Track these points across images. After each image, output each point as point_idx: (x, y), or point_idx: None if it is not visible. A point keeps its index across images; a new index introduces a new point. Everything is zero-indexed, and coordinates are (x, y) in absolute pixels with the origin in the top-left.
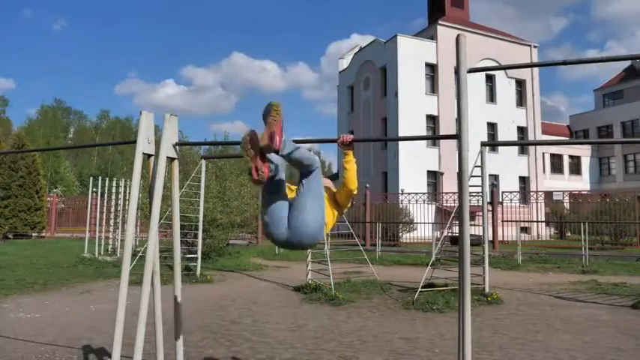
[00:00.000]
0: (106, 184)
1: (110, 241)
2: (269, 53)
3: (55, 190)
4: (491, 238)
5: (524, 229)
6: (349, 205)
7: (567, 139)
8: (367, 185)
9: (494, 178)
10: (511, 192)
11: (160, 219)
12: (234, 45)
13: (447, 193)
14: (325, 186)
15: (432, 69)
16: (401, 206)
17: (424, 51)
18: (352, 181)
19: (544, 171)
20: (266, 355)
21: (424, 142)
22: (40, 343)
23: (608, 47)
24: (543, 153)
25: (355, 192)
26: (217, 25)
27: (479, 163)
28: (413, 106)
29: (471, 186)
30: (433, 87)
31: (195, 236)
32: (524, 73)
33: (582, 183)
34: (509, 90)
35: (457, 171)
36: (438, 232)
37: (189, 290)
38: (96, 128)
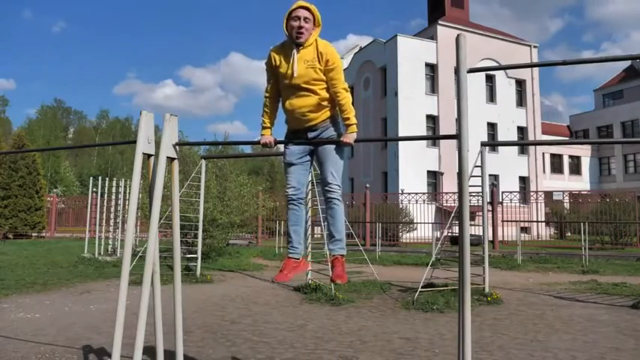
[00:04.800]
0: (106, 184)
1: (110, 241)
2: (266, 53)
3: (55, 190)
4: (491, 238)
5: (524, 229)
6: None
7: (567, 139)
8: (367, 185)
9: (494, 178)
10: (511, 192)
11: (160, 219)
12: (232, 45)
13: (447, 193)
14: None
15: (432, 69)
16: (401, 206)
17: (424, 51)
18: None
19: (544, 171)
20: (266, 355)
21: (424, 142)
22: (40, 343)
23: (603, 48)
24: (543, 153)
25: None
26: (214, 26)
27: (479, 163)
28: (413, 106)
29: (471, 186)
30: (433, 87)
31: (195, 236)
32: (524, 73)
33: (582, 183)
34: (509, 90)
35: (457, 171)
36: (438, 232)
37: (189, 290)
38: (96, 128)
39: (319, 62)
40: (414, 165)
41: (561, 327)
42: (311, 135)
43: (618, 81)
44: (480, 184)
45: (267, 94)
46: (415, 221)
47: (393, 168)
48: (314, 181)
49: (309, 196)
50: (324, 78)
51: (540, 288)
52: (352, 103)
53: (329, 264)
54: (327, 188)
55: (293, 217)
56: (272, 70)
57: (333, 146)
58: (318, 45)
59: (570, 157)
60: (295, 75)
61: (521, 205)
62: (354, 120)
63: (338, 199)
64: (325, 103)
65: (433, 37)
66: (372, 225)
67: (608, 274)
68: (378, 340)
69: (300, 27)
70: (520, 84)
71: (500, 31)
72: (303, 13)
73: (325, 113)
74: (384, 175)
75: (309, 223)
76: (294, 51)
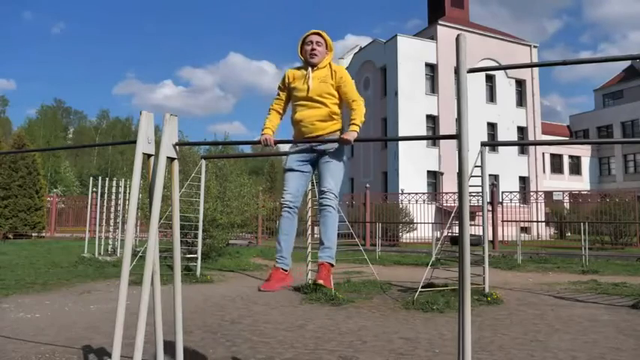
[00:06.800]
0: (106, 184)
1: (110, 241)
2: (265, 54)
3: (55, 190)
4: (491, 238)
5: (524, 229)
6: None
7: (567, 139)
8: (367, 185)
9: (494, 178)
10: (511, 192)
11: (160, 219)
12: (231, 45)
13: (447, 193)
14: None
15: (432, 69)
16: (401, 206)
17: (424, 51)
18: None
19: (544, 171)
20: (266, 355)
21: (424, 142)
22: (40, 343)
23: (601, 49)
24: (543, 153)
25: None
26: (213, 26)
27: (479, 163)
28: (413, 106)
29: (471, 186)
30: (433, 87)
31: (195, 236)
32: (524, 73)
33: (582, 183)
34: (509, 90)
35: (457, 171)
36: (438, 232)
37: (189, 290)
38: (96, 128)
39: (332, 79)
40: (414, 165)
41: (561, 327)
42: (316, 146)
43: (618, 81)
44: (480, 184)
45: (275, 102)
46: (415, 221)
47: (393, 168)
48: (314, 180)
49: (309, 196)
50: (336, 94)
51: (540, 288)
52: None
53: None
54: (322, 196)
55: (285, 225)
56: (285, 87)
57: (334, 159)
58: (331, 66)
59: (570, 157)
60: (310, 88)
61: (521, 205)
62: (359, 122)
63: (332, 207)
64: (335, 116)
65: (433, 37)
66: (372, 225)
67: (608, 274)
68: (378, 340)
69: (313, 49)
70: (520, 84)
71: (500, 31)
72: (315, 38)
73: (333, 126)
74: (384, 175)
75: (310, 222)
76: (310, 69)
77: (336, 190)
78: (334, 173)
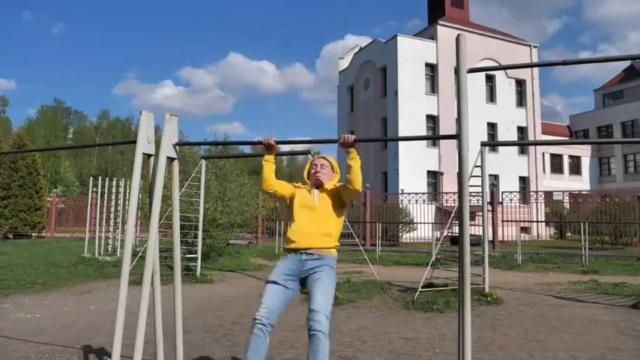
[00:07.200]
0: (106, 184)
1: (110, 241)
2: (265, 54)
3: (55, 190)
4: (491, 238)
5: (524, 229)
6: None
7: (567, 139)
8: (367, 185)
9: (494, 178)
10: (511, 192)
11: (160, 219)
12: (231, 45)
13: (447, 193)
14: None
15: (432, 69)
16: (401, 206)
17: (424, 51)
18: (357, 181)
19: (544, 171)
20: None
21: (424, 142)
22: (40, 343)
23: (601, 49)
24: (543, 153)
25: (359, 191)
26: (213, 26)
27: (479, 163)
28: (413, 106)
29: (471, 186)
30: (433, 87)
31: (195, 236)
32: (524, 73)
33: (582, 183)
34: (509, 90)
35: (457, 171)
36: (438, 232)
37: (189, 290)
38: (96, 128)
39: (335, 188)
40: (414, 165)
41: (561, 327)
42: (307, 260)
43: (618, 81)
44: (480, 184)
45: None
46: (415, 221)
47: (393, 168)
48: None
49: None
50: (337, 204)
51: (540, 288)
52: (352, 103)
53: None
54: (313, 317)
55: (254, 344)
56: (291, 186)
57: (325, 275)
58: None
59: (570, 157)
60: (316, 199)
61: (521, 205)
62: (357, 156)
63: (323, 333)
64: (330, 236)
65: (433, 37)
66: (372, 225)
67: (608, 274)
68: (378, 340)
69: (317, 172)
70: (520, 84)
71: (500, 31)
72: (319, 161)
73: (328, 242)
74: (384, 175)
75: None
76: (314, 188)
77: (328, 310)
78: (326, 290)
